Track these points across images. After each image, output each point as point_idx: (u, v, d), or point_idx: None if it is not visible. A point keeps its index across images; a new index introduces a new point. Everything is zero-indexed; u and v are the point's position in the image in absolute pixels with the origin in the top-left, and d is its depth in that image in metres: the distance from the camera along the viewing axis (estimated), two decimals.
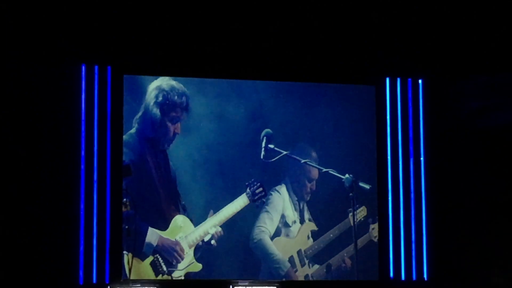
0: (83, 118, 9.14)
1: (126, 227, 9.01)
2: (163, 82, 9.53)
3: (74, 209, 9.02)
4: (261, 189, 9.68)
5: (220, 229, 9.51)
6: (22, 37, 8.94)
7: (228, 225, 9.55)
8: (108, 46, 9.22)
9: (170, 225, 9.45)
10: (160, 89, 9.50)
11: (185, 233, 9.47)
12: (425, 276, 9.64)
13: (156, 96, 9.47)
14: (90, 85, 9.19)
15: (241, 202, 9.62)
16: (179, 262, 9.42)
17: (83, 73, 9.17)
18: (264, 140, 9.70)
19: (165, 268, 9.37)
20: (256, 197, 9.67)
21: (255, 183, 9.67)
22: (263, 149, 9.70)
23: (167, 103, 9.50)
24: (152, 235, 9.37)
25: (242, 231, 9.62)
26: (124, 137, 9.37)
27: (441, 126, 9.82)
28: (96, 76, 9.21)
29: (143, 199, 9.37)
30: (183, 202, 9.49)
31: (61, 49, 9.05)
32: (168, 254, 9.40)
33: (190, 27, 9.39)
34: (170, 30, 9.34)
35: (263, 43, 9.54)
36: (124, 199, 9.16)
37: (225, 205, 9.57)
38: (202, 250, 9.48)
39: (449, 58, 9.76)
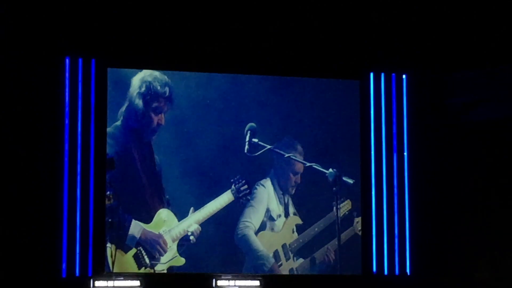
0: (67, 111, 9.13)
1: (109, 220, 9.02)
2: (146, 73, 9.51)
3: (57, 202, 9.02)
4: (246, 186, 9.68)
5: (198, 227, 9.50)
6: (6, 30, 8.91)
7: (213, 218, 9.55)
8: (92, 39, 9.20)
9: (154, 219, 9.45)
10: (143, 80, 9.48)
11: (169, 227, 9.47)
12: (407, 270, 9.67)
13: (140, 87, 9.46)
14: (74, 78, 9.17)
15: (225, 198, 9.62)
16: (162, 256, 9.42)
17: (67, 66, 9.16)
18: (248, 134, 9.71)
19: (148, 261, 9.37)
20: (241, 194, 9.67)
21: (240, 180, 9.67)
22: (247, 143, 9.70)
23: (150, 93, 9.48)
24: (136, 227, 9.37)
25: (227, 225, 9.63)
26: (110, 129, 9.36)
27: (425, 121, 9.84)
28: (80, 69, 9.20)
29: (127, 191, 9.38)
30: (167, 196, 9.49)
31: (45, 42, 9.03)
32: (151, 247, 9.41)
33: (174, 20, 9.37)
34: (154, 24, 9.33)
35: (248, 38, 9.54)
36: (108, 192, 9.16)
37: (210, 201, 9.58)
38: (185, 245, 9.49)
39: (433, 54, 9.78)
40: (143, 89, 9.48)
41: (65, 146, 9.10)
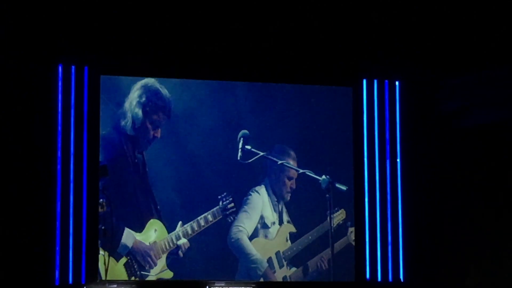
0: (59, 118, 9.13)
1: (102, 227, 9.01)
2: (148, 82, 9.53)
3: (50, 210, 9.01)
4: (232, 204, 9.66)
5: (187, 242, 9.47)
6: None
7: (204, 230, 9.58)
8: (85, 46, 9.21)
9: (145, 228, 9.44)
10: (143, 90, 9.51)
11: (159, 238, 9.45)
12: (401, 277, 9.66)
13: (140, 96, 9.48)
14: (66, 86, 9.19)
15: (212, 215, 9.59)
16: (152, 268, 9.41)
17: (60, 73, 9.17)
18: (241, 141, 9.71)
19: (138, 271, 9.36)
20: (228, 212, 9.66)
21: (227, 197, 9.66)
22: (240, 150, 9.70)
23: (150, 105, 9.49)
24: (128, 237, 9.35)
25: (219, 231, 9.61)
26: (104, 132, 9.35)
27: (418, 128, 9.85)
28: (73, 77, 9.21)
29: (121, 198, 9.37)
30: (158, 207, 9.49)
31: (38, 50, 9.04)
32: (142, 258, 9.39)
33: (167, 27, 9.38)
34: (146, 31, 9.34)
35: (240, 44, 9.55)
36: (101, 200, 9.14)
37: (199, 215, 9.54)
38: (173, 258, 9.47)
39: (425, 60, 9.78)
40: (143, 99, 9.50)
41: (58, 153, 9.09)
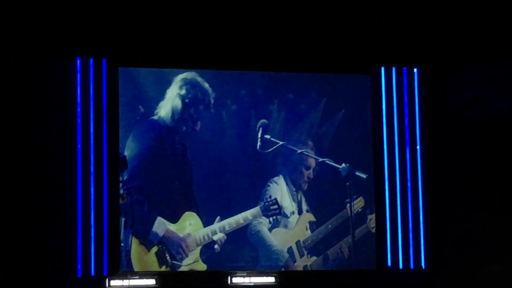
0: (79, 111, 9.15)
1: (121, 192, 9.05)
2: (189, 75, 9.56)
3: (71, 203, 9.03)
4: (276, 206, 9.70)
5: (224, 236, 9.50)
6: (17, 31, 8.94)
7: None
8: (103, 39, 9.22)
9: (180, 220, 9.46)
10: (184, 82, 9.51)
11: (194, 231, 9.47)
12: (423, 264, 9.65)
13: (180, 88, 9.50)
14: (85, 78, 9.20)
15: (253, 213, 9.62)
16: (183, 259, 9.42)
17: (78, 66, 9.19)
18: (260, 131, 9.71)
19: (169, 261, 9.37)
20: (270, 213, 9.69)
21: (270, 198, 9.68)
22: (259, 139, 9.70)
23: (189, 97, 9.51)
24: (160, 225, 9.37)
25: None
26: (150, 119, 9.40)
27: (437, 115, 9.84)
28: (91, 69, 9.22)
29: (156, 187, 9.40)
30: (196, 200, 9.50)
31: (56, 43, 9.05)
32: (174, 247, 9.40)
33: (184, 19, 9.38)
34: (164, 22, 9.34)
35: (259, 35, 9.54)
36: (122, 191, 9.17)
37: (237, 212, 9.58)
38: (209, 252, 9.49)
39: (444, 48, 9.77)
40: (183, 91, 9.53)
41: (78, 146, 9.11)
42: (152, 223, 9.32)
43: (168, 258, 9.36)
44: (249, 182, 9.69)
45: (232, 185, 9.63)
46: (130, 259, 9.19)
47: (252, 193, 9.68)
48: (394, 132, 9.84)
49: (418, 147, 9.81)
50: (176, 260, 9.38)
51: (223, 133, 9.65)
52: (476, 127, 9.76)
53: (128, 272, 9.12)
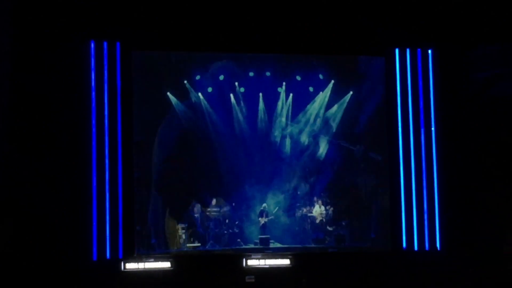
0: (93, 95, 9.14)
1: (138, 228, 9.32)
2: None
3: (86, 187, 9.06)
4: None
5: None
6: (31, 15, 8.93)
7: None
8: (117, 22, 9.20)
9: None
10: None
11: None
12: (438, 245, 9.63)
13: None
14: (99, 61, 9.19)
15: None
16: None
17: (92, 49, 9.18)
18: None
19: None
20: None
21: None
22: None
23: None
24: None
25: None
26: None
27: (451, 96, 9.78)
28: (105, 52, 9.21)
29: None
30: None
31: (70, 26, 9.03)
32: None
33: (195, 3, 9.36)
34: (178, 6, 9.32)
35: (271, 15, 9.50)
36: (136, 175, 9.25)
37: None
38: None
39: (458, 28, 9.70)
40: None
41: (93, 129, 9.12)
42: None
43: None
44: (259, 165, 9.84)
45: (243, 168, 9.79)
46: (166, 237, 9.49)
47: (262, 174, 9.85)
48: (408, 113, 9.77)
49: (432, 128, 9.76)
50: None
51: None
52: (493, 108, 9.69)
53: (143, 255, 9.15)
